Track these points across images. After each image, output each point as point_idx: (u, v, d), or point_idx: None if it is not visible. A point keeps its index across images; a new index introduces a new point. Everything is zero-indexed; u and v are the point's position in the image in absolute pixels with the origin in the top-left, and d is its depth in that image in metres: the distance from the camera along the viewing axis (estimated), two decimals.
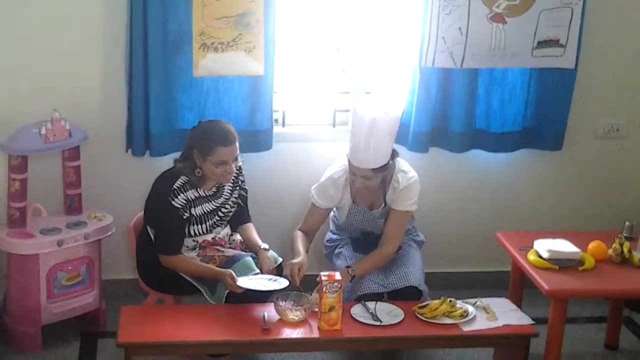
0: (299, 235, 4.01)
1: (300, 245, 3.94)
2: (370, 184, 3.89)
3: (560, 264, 3.80)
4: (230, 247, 3.97)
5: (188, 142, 3.84)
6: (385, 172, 3.90)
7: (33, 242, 3.99)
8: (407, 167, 4.02)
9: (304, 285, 3.75)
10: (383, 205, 4.02)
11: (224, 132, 3.76)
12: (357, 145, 3.81)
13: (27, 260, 3.99)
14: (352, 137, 3.87)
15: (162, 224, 3.79)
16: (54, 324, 4.14)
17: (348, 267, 3.85)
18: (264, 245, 3.94)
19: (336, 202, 4.06)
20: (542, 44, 4.49)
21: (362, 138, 3.78)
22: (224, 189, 3.93)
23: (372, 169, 3.83)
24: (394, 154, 3.96)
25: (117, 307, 3.74)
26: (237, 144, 3.79)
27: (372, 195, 4.02)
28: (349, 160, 3.89)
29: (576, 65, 4.54)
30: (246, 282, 3.67)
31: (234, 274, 3.67)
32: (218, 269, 3.74)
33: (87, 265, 4.18)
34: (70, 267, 4.11)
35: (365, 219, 4.05)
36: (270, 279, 3.72)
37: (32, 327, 4.07)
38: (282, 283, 3.67)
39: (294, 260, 3.83)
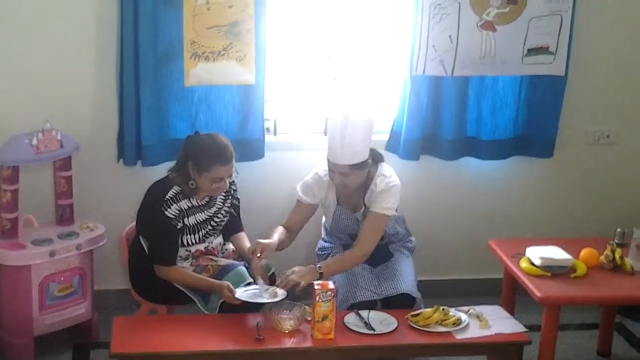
0: (279, 229, 4.01)
1: (275, 234, 3.94)
2: (348, 181, 3.89)
3: (553, 271, 3.81)
4: (223, 257, 3.96)
5: (183, 152, 3.81)
6: (364, 170, 3.90)
7: (25, 253, 3.97)
8: (390, 172, 4.01)
9: (295, 297, 3.74)
10: (364, 208, 4.03)
11: (223, 150, 3.75)
12: (332, 141, 3.84)
13: (18, 271, 3.98)
14: (328, 134, 3.90)
15: (155, 235, 3.78)
16: (46, 335, 4.13)
17: (315, 264, 3.83)
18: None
19: (319, 199, 4.06)
20: (532, 51, 4.51)
21: (337, 134, 3.80)
22: (216, 199, 3.93)
23: (349, 166, 3.83)
24: (378, 158, 3.98)
25: (110, 317, 3.72)
26: (234, 160, 3.79)
27: (354, 197, 4.02)
28: (327, 158, 3.90)
29: (566, 72, 4.56)
30: (244, 294, 3.66)
31: (231, 286, 3.67)
32: (214, 280, 3.73)
33: (79, 275, 4.16)
34: (62, 278, 4.09)
35: (350, 221, 4.05)
36: (266, 290, 3.71)
37: (24, 338, 4.06)
38: (280, 294, 3.67)
39: (262, 240, 3.80)
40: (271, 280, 3.89)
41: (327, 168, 4.00)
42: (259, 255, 3.77)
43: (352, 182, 3.91)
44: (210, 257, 3.91)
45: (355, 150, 3.82)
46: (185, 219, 3.80)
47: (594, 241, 4.06)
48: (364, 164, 3.87)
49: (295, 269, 3.79)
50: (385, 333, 3.59)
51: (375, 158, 3.96)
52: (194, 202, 3.84)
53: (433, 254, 4.76)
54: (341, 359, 3.87)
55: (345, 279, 3.94)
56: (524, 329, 3.70)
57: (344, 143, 3.79)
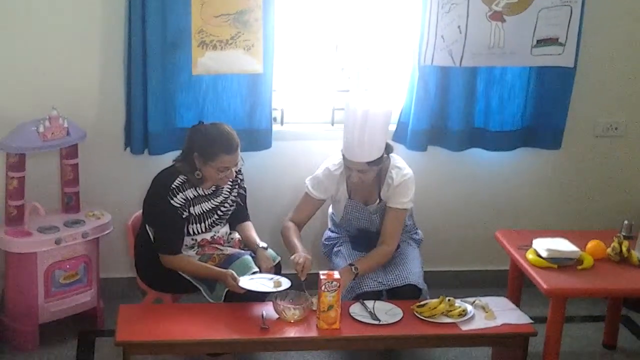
0: (292, 228, 4.01)
1: (296, 240, 3.94)
2: (366, 177, 3.89)
3: (559, 263, 3.80)
4: (228, 246, 3.96)
5: (188, 143, 3.81)
6: (380, 165, 3.90)
7: (31, 240, 3.98)
8: (402, 164, 4.02)
9: (305, 285, 3.74)
10: (378, 201, 4.02)
11: (228, 139, 3.74)
12: (351, 140, 3.82)
13: (25, 259, 3.98)
14: (345, 132, 3.87)
15: (161, 224, 3.78)
16: (52, 322, 4.13)
17: (351, 264, 3.85)
18: (263, 244, 3.93)
19: (330, 194, 4.06)
20: (541, 42, 4.49)
21: (356, 132, 3.78)
22: (223, 188, 3.92)
23: (367, 163, 3.83)
24: (389, 149, 3.96)
25: (115, 305, 3.73)
26: (240, 149, 3.78)
27: (367, 190, 4.02)
28: (343, 155, 3.89)
29: (575, 63, 4.54)
30: (248, 282, 3.66)
31: (235, 274, 3.67)
32: (219, 269, 3.73)
33: (85, 263, 4.17)
34: (68, 266, 4.10)
35: (361, 215, 4.05)
36: (271, 279, 3.71)
37: (30, 325, 4.07)
38: (285, 283, 3.67)
39: (299, 261, 3.79)
40: (277, 270, 3.89)
41: (337, 162, 3.99)
42: (303, 271, 3.77)
43: (369, 177, 3.91)
44: (216, 246, 3.91)
45: (374, 147, 3.81)
46: (192, 208, 3.80)
47: (601, 233, 4.06)
48: (381, 159, 3.86)
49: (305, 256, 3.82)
50: (390, 323, 3.60)
51: (387, 149, 3.95)
52: (200, 191, 3.83)
53: (439, 245, 4.75)
54: (346, 349, 3.89)
55: None
56: (530, 321, 3.71)
57: (363, 141, 3.78)
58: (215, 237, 3.93)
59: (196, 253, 3.86)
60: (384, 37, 4.58)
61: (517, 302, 4.04)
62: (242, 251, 3.90)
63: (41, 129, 3.98)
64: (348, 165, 3.89)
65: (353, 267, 3.83)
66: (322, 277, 3.51)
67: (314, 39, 4.56)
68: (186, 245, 3.86)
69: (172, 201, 3.73)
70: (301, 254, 3.84)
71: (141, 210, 3.94)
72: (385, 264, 3.98)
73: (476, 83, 4.54)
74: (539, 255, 3.84)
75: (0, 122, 4.10)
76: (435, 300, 3.69)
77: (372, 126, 3.78)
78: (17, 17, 4.15)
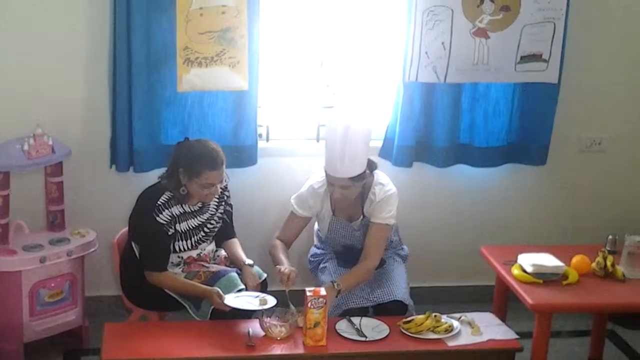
0: (280, 246, 4.00)
1: (283, 256, 3.94)
2: (349, 194, 3.89)
3: (544, 278, 3.81)
4: (214, 263, 3.95)
5: (174, 160, 3.81)
6: (363, 181, 3.90)
7: (15, 259, 3.95)
8: (386, 180, 4.02)
9: (290, 297, 3.74)
10: (362, 217, 4.02)
11: (213, 156, 3.74)
12: (332, 155, 3.82)
13: (9, 277, 3.96)
14: (327, 147, 3.88)
15: (147, 241, 3.77)
16: (37, 341, 4.11)
17: (333, 281, 3.85)
18: (249, 261, 3.92)
19: (315, 212, 4.06)
20: (525, 58, 4.51)
21: (337, 147, 3.79)
22: (209, 205, 3.91)
23: (350, 178, 3.83)
24: (373, 166, 3.97)
25: (101, 324, 3.70)
26: (224, 165, 3.78)
27: (351, 207, 4.02)
28: (326, 171, 3.89)
29: (559, 79, 4.57)
30: (233, 300, 3.65)
31: (221, 292, 3.66)
32: (205, 286, 3.72)
33: (70, 282, 4.15)
34: (53, 284, 4.08)
35: (346, 232, 4.05)
36: (257, 296, 3.70)
37: (14, 344, 4.04)
38: (271, 301, 3.66)
39: (285, 271, 3.79)
40: (263, 287, 3.89)
41: (320, 180, 4.00)
42: (289, 281, 3.77)
43: (352, 193, 3.91)
44: (202, 263, 3.90)
45: (355, 163, 3.81)
46: (177, 224, 3.79)
47: (585, 248, 4.07)
48: (363, 175, 3.87)
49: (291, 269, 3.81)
50: (377, 340, 3.59)
51: (370, 166, 3.96)
52: (187, 208, 3.83)
53: (425, 261, 4.75)
54: None
55: None
56: (516, 336, 3.71)
57: (344, 156, 3.78)
58: (201, 255, 3.92)
59: (182, 270, 3.85)
60: (368, 53, 4.60)
61: (503, 317, 4.04)
62: (228, 268, 3.89)
63: (26, 147, 3.97)
64: (330, 181, 3.89)
65: (335, 284, 3.82)
66: (308, 293, 3.51)
67: (299, 55, 4.57)
68: (172, 262, 3.85)
69: (157, 218, 3.72)
70: (284, 271, 3.83)
71: (126, 228, 3.93)
72: (371, 280, 3.98)
73: (461, 99, 4.56)
74: (524, 271, 3.85)
75: None
76: (421, 316, 3.69)
77: (352, 142, 3.78)
78: (1, 36, 4.14)
